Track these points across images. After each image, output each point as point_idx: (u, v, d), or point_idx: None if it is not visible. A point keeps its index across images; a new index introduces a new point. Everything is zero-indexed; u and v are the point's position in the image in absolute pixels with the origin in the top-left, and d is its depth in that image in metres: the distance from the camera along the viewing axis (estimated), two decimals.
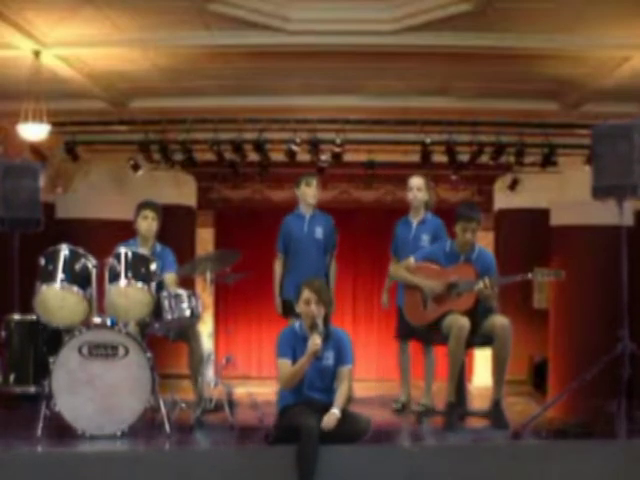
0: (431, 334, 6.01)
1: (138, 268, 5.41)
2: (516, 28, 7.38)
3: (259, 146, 9.83)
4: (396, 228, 6.69)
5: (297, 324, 5.04)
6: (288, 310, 6.52)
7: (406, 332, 6.43)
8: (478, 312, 5.64)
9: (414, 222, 6.55)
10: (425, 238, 6.43)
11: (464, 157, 10.16)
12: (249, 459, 4.93)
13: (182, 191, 11.57)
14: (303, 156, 10.01)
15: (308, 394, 4.92)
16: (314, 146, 9.86)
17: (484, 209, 10.87)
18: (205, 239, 11.83)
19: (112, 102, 9.68)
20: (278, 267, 6.80)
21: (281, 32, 7.53)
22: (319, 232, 6.69)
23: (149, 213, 6.11)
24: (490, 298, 5.60)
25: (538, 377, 10.38)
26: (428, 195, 6.53)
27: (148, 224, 6.10)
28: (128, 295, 5.37)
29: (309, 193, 6.69)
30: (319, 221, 6.74)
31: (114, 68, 8.47)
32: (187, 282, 7.09)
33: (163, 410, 5.32)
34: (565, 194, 10.54)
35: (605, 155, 5.55)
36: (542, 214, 10.48)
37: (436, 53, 7.96)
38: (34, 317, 5.47)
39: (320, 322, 4.86)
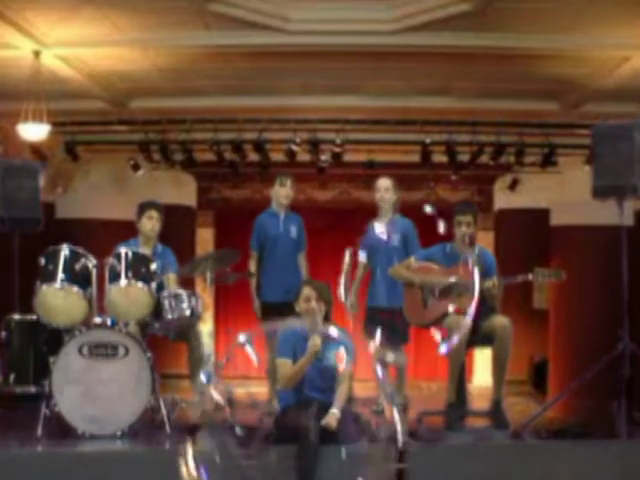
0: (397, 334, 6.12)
1: (138, 268, 5.42)
2: (516, 28, 7.37)
3: (259, 146, 9.82)
4: (368, 229, 6.69)
5: (297, 324, 5.04)
6: (268, 314, 6.46)
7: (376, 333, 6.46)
8: (479, 312, 5.64)
9: (384, 223, 6.56)
10: (396, 238, 6.46)
11: (464, 157, 10.14)
12: (249, 459, 4.93)
13: (182, 191, 11.53)
14: (303, 156, 9.99)
15: (308, 394, 4.92)
16: (314, 146, 9.83)
17: (484, 209, 10.84)
18: (205, 239, 11.78)
19: (112, 102, 9.67)
20: (253, 266, 6.67)
21: (281, 32, 7.52)
22: (294, 231, 6.69)
23: (154, 213, 6.11)
24: (496, 298, 5.60)
25: (538, 377, 10.34)
26: (396, 196, 6.57)
27: (153, 224, 6.10)
28: (128, 295, 5.37)
29: (281, 193, 6.66)
30: (293, 221, 6.74)
31: (114, 68, 8.46)
32: (187, 282, 7.08)
33: (163, 410, 5.33)
34: (565, 194, 10.51)
35: (605, 155, 5.55)
36: (542, 214, 10.43)
37: (436, 53, 7.95)
38: (34, 317, 5.47)
39: (320, 321, 4.86)
